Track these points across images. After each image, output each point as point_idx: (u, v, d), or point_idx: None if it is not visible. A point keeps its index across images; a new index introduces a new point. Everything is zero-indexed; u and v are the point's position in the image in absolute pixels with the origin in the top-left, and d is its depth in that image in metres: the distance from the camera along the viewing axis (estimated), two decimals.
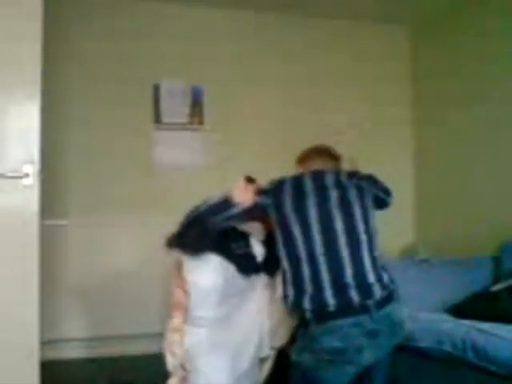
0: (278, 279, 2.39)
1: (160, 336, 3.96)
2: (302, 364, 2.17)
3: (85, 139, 4.17)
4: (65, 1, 4.06)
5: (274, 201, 2.29)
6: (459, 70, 4.38)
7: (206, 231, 2.37)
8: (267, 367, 2.54)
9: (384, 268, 2.23)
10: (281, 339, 2.49)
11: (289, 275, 2.22)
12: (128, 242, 4.11)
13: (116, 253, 4.08)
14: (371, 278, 2.15)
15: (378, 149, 4.63)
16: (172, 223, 4.11)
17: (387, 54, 4.86)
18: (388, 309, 2.15)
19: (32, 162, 2.63)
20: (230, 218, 2.36)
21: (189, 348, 2.43)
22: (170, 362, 2.49)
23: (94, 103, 4.20)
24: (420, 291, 3.23)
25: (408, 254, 4.62)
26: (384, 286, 2.16)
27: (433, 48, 4.70)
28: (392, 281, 2.22)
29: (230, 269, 2.43)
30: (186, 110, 4.40)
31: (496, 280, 3.37)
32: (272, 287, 2.52)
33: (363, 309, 2.10)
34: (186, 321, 2.46)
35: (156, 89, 4.33)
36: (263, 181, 2.44)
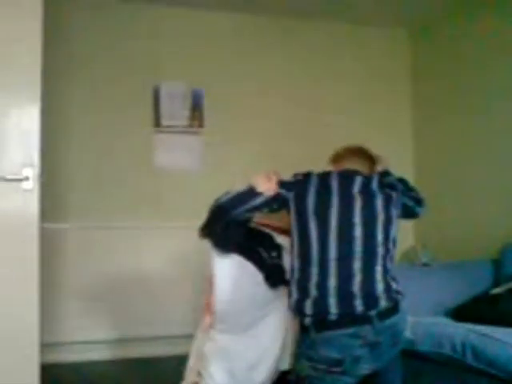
0: None
1: (163, 339, 4.01)
2: (299, 371, 2.16)
3: (85, 142, 4.17)
4: (65, 3, 4.07)
5: (296, 195, 2.20)
6: (458, 72, 4.38)
7: (229, 225, 2.30)
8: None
9: (394, 279, 2.17)
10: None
11: (296, 275, 2.17)
12: (128, 244, 4.11)
13: (116, 256, 4.08)
14: (379, 288, 2.10)
15: (378, 150, 4.62)
16: (172, 226, 4.17)
17: (387, 55, 4.86)
18: (392, 320, 2.11)
19: (32, 165, 2.63)
20: (253, 209, 2.27)
21: (208, 352, 2.44)
22: (191, 362, 2.52)
23: (94, 106, 4.20)
24: (420, 294, 3.22)
25: (408, 258, 4.61)
26: (391, 298, 2.11)
27: (432, 50, 4.70)
28: (399, 292, 2.16)
29: (259, 279, 2.39)
30: (186, 112, 4.40)
31: (496, 283, 3.37)
32: None
33: (365, 319, 2.06)
34: (212, 325, 2.46)
35: (156, 91, 4.33)
36: None
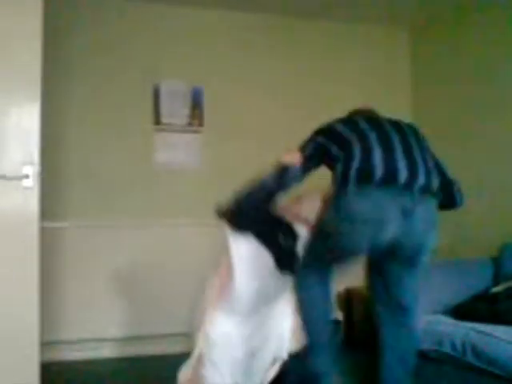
0: None
1: (163, 337, 4.01)
2: (324, 226, 2.26)
3: (84, 140, 4.16)
4: (65, 3, 4.06)
5: (329, 134, 2.38)
6: (458, 72, 4.38)
7: (270, 197, 2.45)
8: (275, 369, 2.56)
9: (434, 173, 2.30)
10: (297, 343, 2.50)
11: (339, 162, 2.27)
12: (128, 242, 4.11)
13: (116, 254, 4.07)
14: (421, 168, 2.22)
15: None
16: (171, 223, 4.17)
17: (387, 55, 4.85)
18: (430, 199, 2.24)
19: (32, 163, 2.64)
20: (294, 178, 2.41)
21: (211, 339, 2.48)
22: (190, 362, 2.55)
23: (94, 105, 4.19)
24: (420, 293, 3.22)
25: None
26: (430, 180, 2.23)
27: (432, 49, 4.69)
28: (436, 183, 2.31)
29: (269, 267, 2.48)
30: (186, 111, 4.39)
31: (496, 282, 3.37)
32: None
33: (407, 186, 2.16)
34: (217, 309, 2.50)
35: (156, 90, 4.32)
36: None
